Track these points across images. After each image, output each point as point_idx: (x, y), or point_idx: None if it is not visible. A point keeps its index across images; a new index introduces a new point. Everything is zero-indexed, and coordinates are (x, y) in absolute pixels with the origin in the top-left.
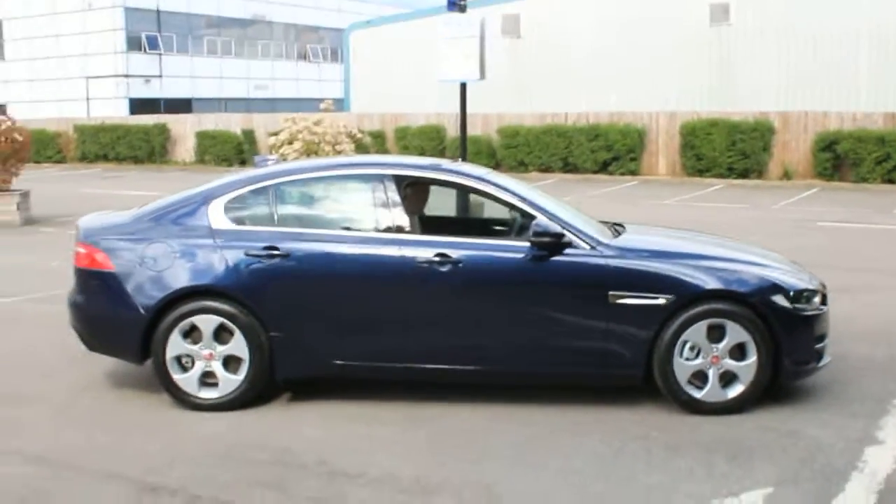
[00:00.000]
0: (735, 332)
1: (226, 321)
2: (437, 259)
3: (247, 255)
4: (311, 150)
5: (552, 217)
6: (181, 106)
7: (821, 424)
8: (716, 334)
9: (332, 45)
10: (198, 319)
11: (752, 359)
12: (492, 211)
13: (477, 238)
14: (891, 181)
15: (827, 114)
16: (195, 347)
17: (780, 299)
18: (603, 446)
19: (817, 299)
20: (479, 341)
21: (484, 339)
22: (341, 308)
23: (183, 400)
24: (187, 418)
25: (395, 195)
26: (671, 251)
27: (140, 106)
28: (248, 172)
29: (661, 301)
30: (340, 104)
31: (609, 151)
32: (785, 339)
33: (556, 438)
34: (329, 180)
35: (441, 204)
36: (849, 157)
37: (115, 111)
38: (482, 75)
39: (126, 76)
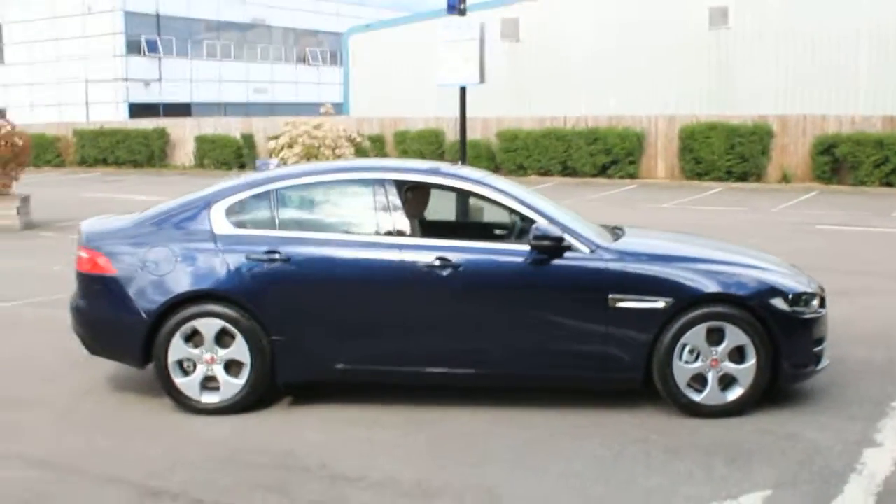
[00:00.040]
0: (734, 336)
1: (227, 325)
2: (437, 263)
3: (248, 259)
4: (310, 154)
5: (552, 220)
6: (180, 110)
7: (819, 427)
8: (715, 337)
9: (332, 49)
10: (199, 323)
11: (751, 362)
12: (492, 214)
13: (477, 242)
14: (889, 184)
15: (825, 117)
16: (197, 351)
17: (778, 302)
18: (603, 449)
19: (816, 302)
20: (480, 345)
21: (484, 342)
22: (342, 312)
23: (184, 404)
24: (189, 422)
25: (395, 199)
26: (670, 254)
27: (139, 110)
28: (250, 177)
29: (661, 304)
30: (339, 108)
31: (608, 155)
32: (784, 342)
33: (556, 442)
34: (330, 184)
35: (441, 208)
36: (847, 161)
37: (114, 115)
38: (482, 79)
39: (125, 80)
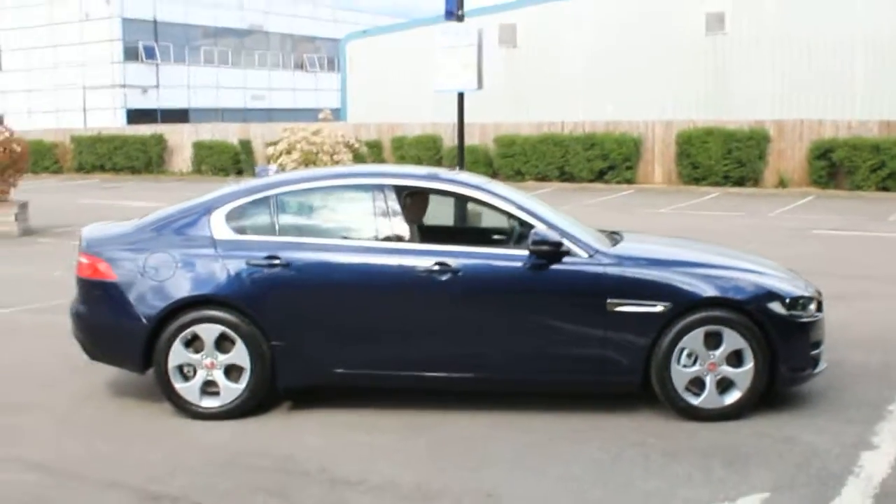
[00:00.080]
0: (732, 339)
1: (227, 330)
2: (436, 268)
3: (248, 264)
4: (309, 161)
5: (551, 226)
6: (178, 116)
7: (817, 430)
8: (713, 341)
9: (329, 55)
10: (199, 329)
11: (749, 365)
12: (490, 220)
13: (476, 247)
14: (885, 189)
15: (822, 122)
16: (197, 356)
17: (776, 306)
18: (601, 453)
19: (813, 306)
20: (479, 349)
21: (483, 347)
22: (342, 317)
23: (184, 409)
24: (189, 427)
25: (394, 204)
26: (668, 259)
27: (137, 116)
28: (250, 183)
29: (659, 308)
30: (337, 114)
31: (605, 160)
32: (781, 345)
33: (554, 445)
34: (329, 190)
35: (440, 213)
36: (844, 165)
37: (112, 121)
38: (480, 85)
39: (123, 86)
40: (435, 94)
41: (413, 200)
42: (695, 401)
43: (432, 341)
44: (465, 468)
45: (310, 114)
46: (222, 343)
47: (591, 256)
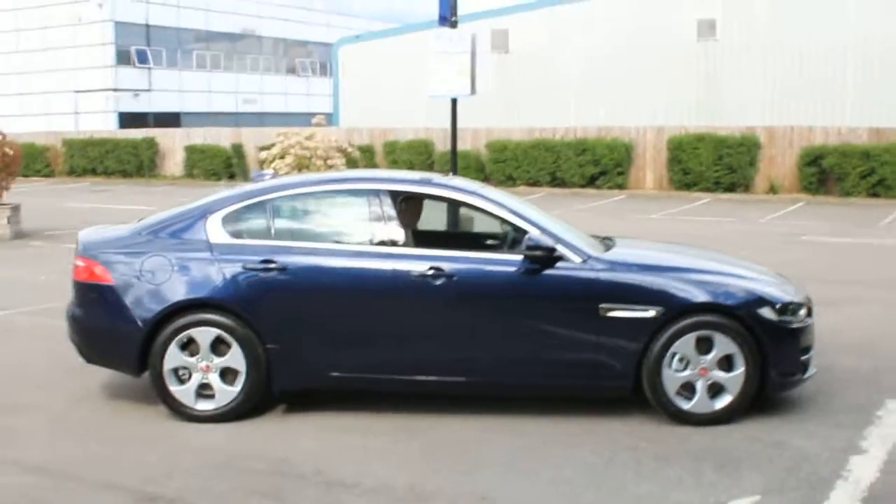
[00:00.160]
0: (723, 344)
1: (223, 333)
2: (430, 272)
3: (244, 268)
4: (302, 165)
5: (544, 231)
6: (170, 120)
7: (806, 435)
8: (704, 346)
9: (321, 60)
10: (195, 332)
11: (740, 370)
12: (484, 225)
13: (470, 252)
14: (875, 195)
15: (812, 128)
16: (192, 360)
17: (766, 312)
18: (594, 456)
19: (803, 312)
20: (473, 353)
21: (477, 351)
22: (337, 321)
23: (180, 411)
24: (184, 430)
25: (389, 209)
26: (660, 264)
27: (129, 120)
28: (246, 187)
29: (651, 313)
30: (329, 118)
31: (597, 166)
32: (772, 350)
33: (547, 449)
34: (324, 195)
35: (434, 218)
36: (834, 172)
37: (103, 125)
38: (473, 90)
39: (115, 90)
40: (428, 100)
41: (408, 205)
42: (686, 405)
43: (426, 345)
44: (459, 471)
45: (301, 118)
46: (218, 346)
47: (584, 262)
